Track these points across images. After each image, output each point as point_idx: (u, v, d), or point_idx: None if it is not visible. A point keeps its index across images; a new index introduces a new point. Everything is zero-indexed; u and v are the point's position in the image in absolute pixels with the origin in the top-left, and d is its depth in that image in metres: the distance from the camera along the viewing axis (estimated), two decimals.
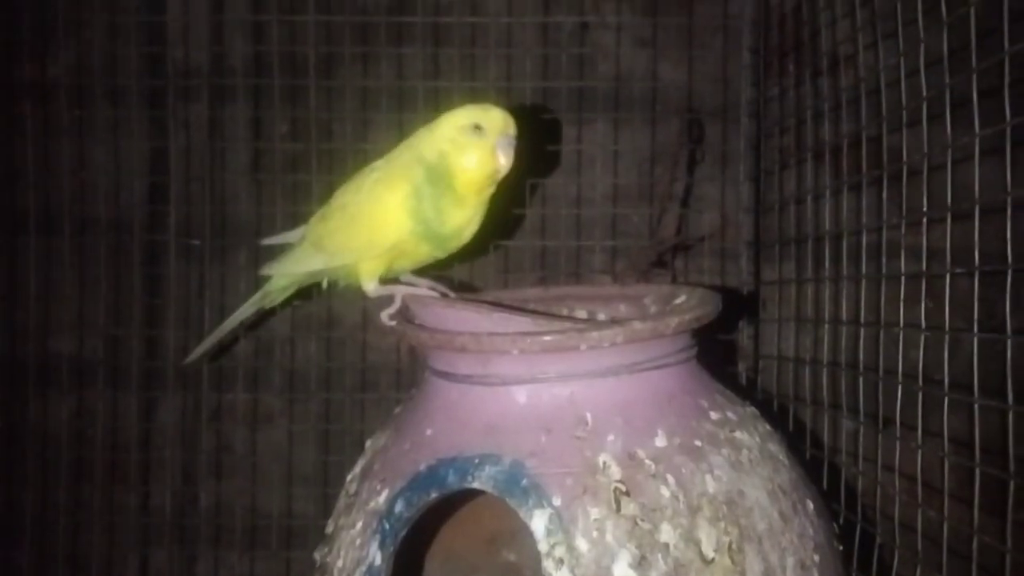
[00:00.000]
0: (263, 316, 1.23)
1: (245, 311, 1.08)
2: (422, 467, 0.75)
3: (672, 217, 1.28)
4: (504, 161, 0.84)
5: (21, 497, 1.28)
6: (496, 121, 0.85)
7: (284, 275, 1.02)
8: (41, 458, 1.30)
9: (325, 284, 1.03)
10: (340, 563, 0.78)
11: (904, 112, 0.87)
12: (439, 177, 0.86)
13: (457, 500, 0.87)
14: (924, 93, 0.82)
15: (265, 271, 1.02)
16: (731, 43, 1.30)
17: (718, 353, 1.22)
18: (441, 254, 0.93)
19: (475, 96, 1.23)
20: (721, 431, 0.78)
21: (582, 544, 0.68)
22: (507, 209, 1.20)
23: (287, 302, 1.11)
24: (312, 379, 1.30)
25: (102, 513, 1.30)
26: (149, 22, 1.29)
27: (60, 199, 1.26)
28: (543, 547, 0.69)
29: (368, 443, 0.90)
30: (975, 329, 0.75)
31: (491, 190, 0.89)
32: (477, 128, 0.84)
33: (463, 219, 0.89)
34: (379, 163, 0.93)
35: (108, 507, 1.30)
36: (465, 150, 0.85)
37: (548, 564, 0.68)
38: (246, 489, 1.34)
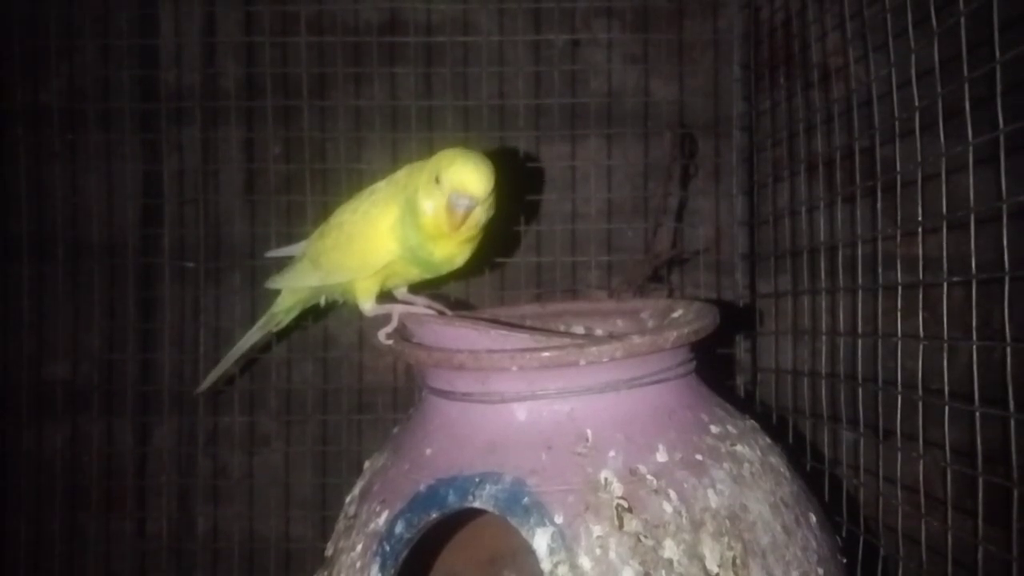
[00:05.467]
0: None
1: (253, 335, 1.08)
2: (422, 487, 0.75)
3: (667, 231, 1.28)
4: (451, 221, 0.80)
5: (16, 525, 1.26)
6: (451, 179, 0.79)
7: (289, 293, 1.02)
8: (36, 485, 1.29)
9: (323, 302, 1.03)
10: None
11: (896, 123, 0.87)
12: (411, 213, 0.85)
13: (457, 520, 0.87)
14: (916, 103, 0.83)
15: (269, 284, 1.02)
16: (722, 58, 1.31)
17: (716, 367, 1.22)
18: (435, 275, 0.93)
19: (466, 118, 1.25)
20: (722, 445, 0.77)
21: (585, 562, 0.67)
22: (502, 226, 1.20)
23: (290, 325, 1.11)
24: (309, 401, 1.29)
25: (98, 540, 1.29)
26: (141, 45, 1.29)
27: (53, 224, 1.25)
28: (546, 566, 0.68)
29: (366, 464, 0.89)
30: (974, 337, 0.75)
31: (468, 233, 0.85)
32: (438, 180, 0.81)
33: (447, 252, 0.88)
34: (381, 184, 0.93)
35: (104, 534, 1.29)
36: (427, 197, 0.82)
37: None
38: (243, 513, 1.32)
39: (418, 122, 1.23)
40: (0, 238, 1.29)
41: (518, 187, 1.24)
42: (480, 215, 0.83)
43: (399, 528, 0.74)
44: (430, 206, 0.82)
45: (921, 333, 0.84)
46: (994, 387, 0.74)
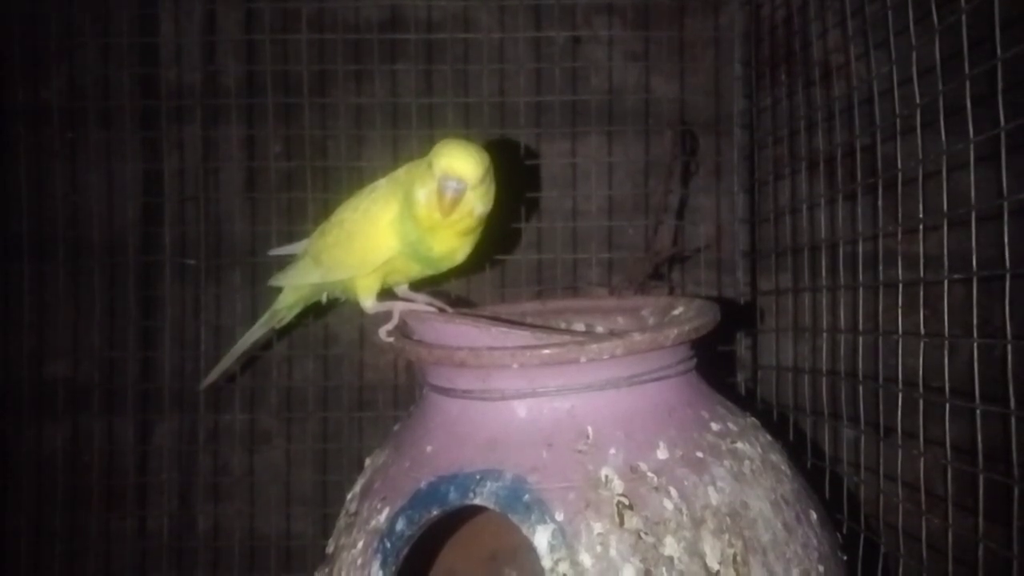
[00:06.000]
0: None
1: (256, 332, 1.08)
2: (423, 484, 0.75)
3: (667, 229, 1.28)
4: (441, 204, 0.80)
5: (17, 524, 1.26)
6: (440, 164, 0.80)
7: (291, 290, 1.02)
8: (37, 484, 1.29)
9: (325, 299, 1.03)
10: None
11: (897, 120, 0.87)
12: (409, 206, 0.85)
13: (458, 518, 0.87)
14: (917, 101, 0.83)
15: (272, 282, 1.02)
16: (722, 55, 1.31)
17: (717, 364, 1.22)
18: (435, 272, 0.93)
19: (467, 115, 1.25)
20: (723, 442, 0.77)
21: (586, 559, 0.67)
22: (503, 224, 1.20)
23: (291, 323, 1.11)
24: (309, 398, 1.29)
25: (99, 539, 1.29)
26: (142, 43, 1.29)
27: (53, 222, 1.25)
28: (546, 563, 0.68)
29: (367, 461, 0.89)
30: (974, 335, 0.75)
31: (464, 224, 0.84)
32: (430, 167, 0.81)
33: (446, 247, 0.87)
34: (381, 182, 0.93)
35: (105, 533, 1.29)
36: (421, 186, 0.82)
37: None
38: (244, 511, 1.33)
39: (419, 119, 1.23)
40: (0, 237, 1.29)
41: (519, 184, 1.25)
42: (474, 202, 0.82)
43: (400, 525, 0.74)
44: (423, 193, 0.82)
45: (922, 330, 0.84)
46: (995, 384, 0.74)
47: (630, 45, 1.34)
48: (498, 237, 1.12)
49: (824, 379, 1.07)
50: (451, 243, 0.87)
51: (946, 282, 0.80)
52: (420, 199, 0.83)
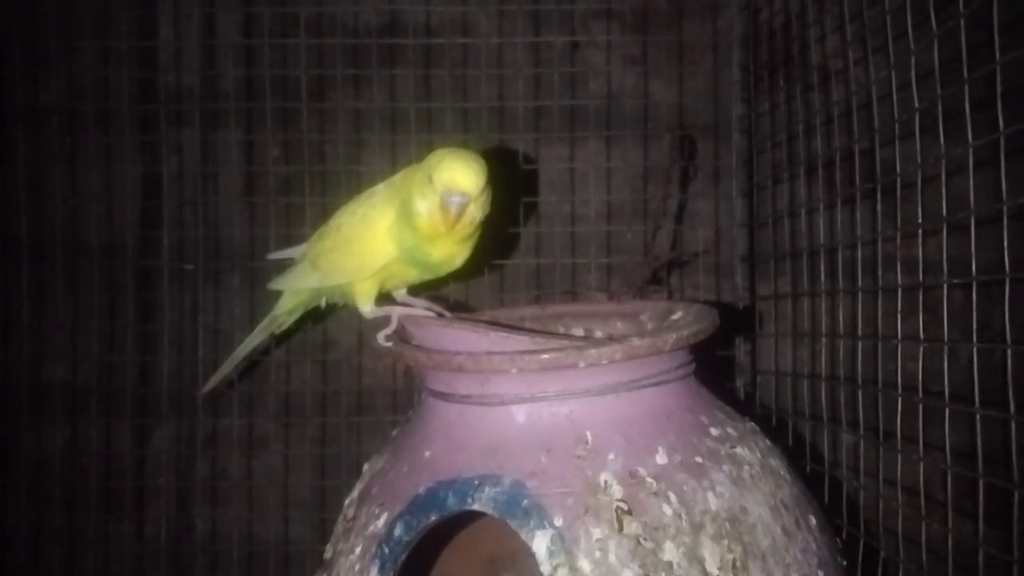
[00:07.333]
0: None
1: (255, 338, 1.08)
2: (421, 490, 0.74)
3: (666, 233, 1.28)
4: (444, 219, 0.80)
5: (15, 527, 1.26)
6: (442, 178, 0.79)
7: (290, 295, 1.02)
8: (35, 487, 1.28)
9: (324, 304, 1.03)
10: None
11: (896, 125, 0.87)
12: (407, 214, 0.85)
13: (456, 523, 0.87)
14: (916, 105, 0.83)
15: (271, 286, 1.02)
16: (721, 60, 1.31)
17: (716, 369, 1.22)
18: (433, 276, 0.93)
19: (466, 120, 1.25)
20: (722, 447, 0.77)
21: (585, 565, 0.67)
22: (501, 228, 1.20)
23: (290, 328, 1.11)
24: (308, 403, 1.29)
25: (96, 542, 1.28)
26: (141, 47, 1.29)
27: (52, 225, 1.25)
28: (545, 569, 0.68)
29: (365, 467, 0.89)
30: (974, 339, 0.75)
31: (465, 232, 0.85)
32: (430, 180, 0.81)
33: (445, 253, 0.88)
34: (380, 186, 0.93)
35: (103, 536, 1.29)
36: (421, 198, 0.82)
37: None
38: (242, 516, 1.32)
39: (417, 124, 1.23)
40: (0, 239, 1.28)
41: (517, 189, 1.25)
42: (475, 212, 0.83)
43: (398, 530, 0.74)
44: (424, 206, 0.82)
45: (921, 335, 0.84)
46: (994, 389, 0.74)
47: (628, 50, 1.34)
48: (497, 242, 1.12)
49: (823, 384, 1.07)
50: (449, 249, 0.87)
51: (945, 286, 0.80)
52: (421, 211, 0.82)
